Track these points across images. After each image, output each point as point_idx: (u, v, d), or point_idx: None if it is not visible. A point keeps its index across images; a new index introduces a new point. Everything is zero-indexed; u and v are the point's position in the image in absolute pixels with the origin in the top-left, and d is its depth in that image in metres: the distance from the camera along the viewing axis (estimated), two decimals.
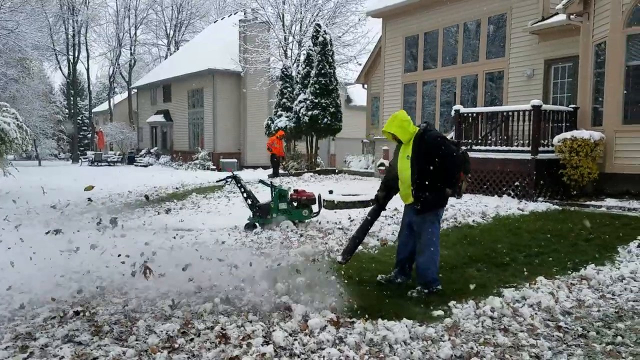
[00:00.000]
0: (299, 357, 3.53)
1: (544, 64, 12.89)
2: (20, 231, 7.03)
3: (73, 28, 42.01)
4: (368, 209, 9.85)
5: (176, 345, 3.67)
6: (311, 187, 12.71)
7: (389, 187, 5.22)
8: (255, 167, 26.82)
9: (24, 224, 8.21)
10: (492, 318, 4.26)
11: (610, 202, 9.44)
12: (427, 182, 4.76)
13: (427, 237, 4.90)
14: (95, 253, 5.74)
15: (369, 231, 5.87)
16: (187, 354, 3.56)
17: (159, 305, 4.50)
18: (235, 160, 28.31)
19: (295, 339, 3.74)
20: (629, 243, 6.55)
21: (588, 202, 9.59)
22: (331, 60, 20.16)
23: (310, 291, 4.62)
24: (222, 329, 3.92)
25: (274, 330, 3.78)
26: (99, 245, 5.87)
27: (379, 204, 5.30)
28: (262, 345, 3.60)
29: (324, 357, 3.51)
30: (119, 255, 5.48)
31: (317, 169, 20.80)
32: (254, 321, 4.10)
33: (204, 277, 5.02)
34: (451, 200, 5.20)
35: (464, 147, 11.48)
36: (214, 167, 28.00)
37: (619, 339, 3.82)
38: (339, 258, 5.25)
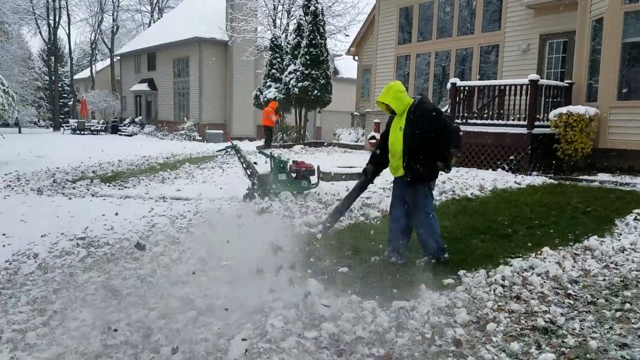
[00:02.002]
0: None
1: (539, 39, 12.89)
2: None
3: None
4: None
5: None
6: (303, 159, 12.65)
7: (378, 161, 5.09)
8: (241, 139, 26.53)
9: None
10: (503, 286, 4.33)
11: (602, 176, 9.58)
12: (418, 155, 4.68)
13: (423, 209, 4.87)
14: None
15: (351, 206, 5.91)
16: (209, 316, 3.59)
17: (173, 271, 4.50)
18: (221, 131, 27.99)
19: None
20: (626, 216, 6.67)
21: (581, 177, 9.73)
22: (322, 31, 19.92)
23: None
24: None
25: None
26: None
27: (366, 177, 5.17)
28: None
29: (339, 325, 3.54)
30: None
31: (306, 141, 20.71)
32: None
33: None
34: (448, 173, 5.15)
35: (457, 121, 11.54)
36: (200, 137, 27.67)
37: (627, 305, 3.92)
38: (319, 234, 5.17)
